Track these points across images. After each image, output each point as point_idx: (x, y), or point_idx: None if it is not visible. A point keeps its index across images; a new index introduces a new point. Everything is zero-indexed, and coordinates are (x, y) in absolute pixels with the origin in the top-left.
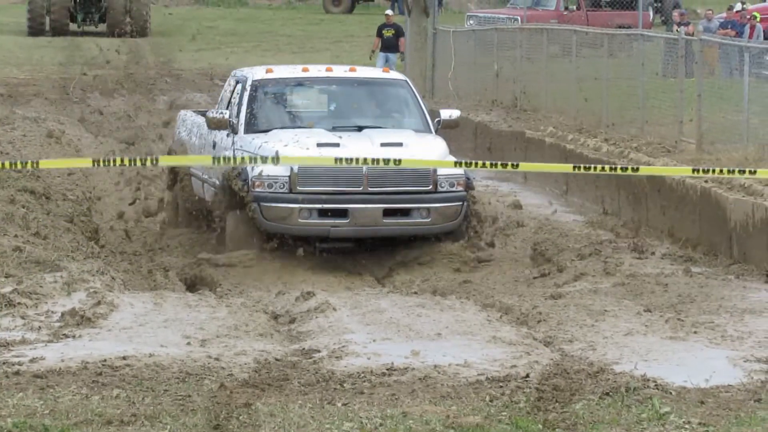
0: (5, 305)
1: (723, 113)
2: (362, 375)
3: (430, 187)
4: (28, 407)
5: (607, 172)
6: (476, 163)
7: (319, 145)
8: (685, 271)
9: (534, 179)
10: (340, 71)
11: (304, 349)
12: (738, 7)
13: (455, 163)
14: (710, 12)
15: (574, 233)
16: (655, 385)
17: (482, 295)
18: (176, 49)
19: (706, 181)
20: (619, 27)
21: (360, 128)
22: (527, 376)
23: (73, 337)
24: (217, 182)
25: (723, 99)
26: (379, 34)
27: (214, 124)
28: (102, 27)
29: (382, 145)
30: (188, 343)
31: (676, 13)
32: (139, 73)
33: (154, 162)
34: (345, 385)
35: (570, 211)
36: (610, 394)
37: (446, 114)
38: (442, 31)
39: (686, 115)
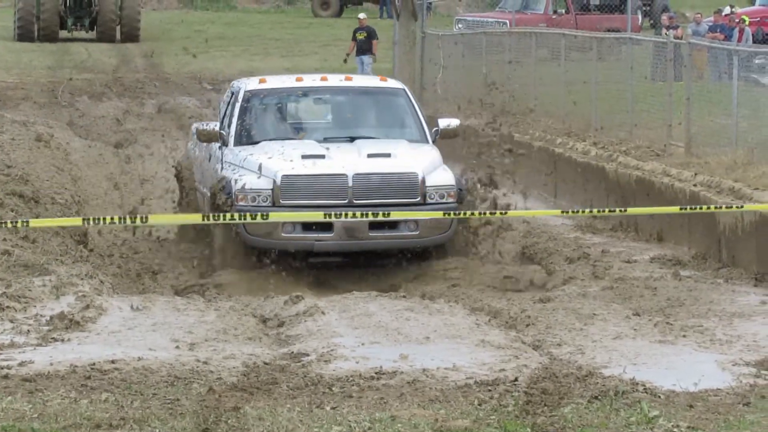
0: None
1: (712, 117)
2: (351, 379)
3: (419, 198)
4: (17, 411)
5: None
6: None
7: (304, 156)
8: (673, 274)
9: (522, 183)
10: (335, 80)
11: (292, 352)
12: (727, 10)
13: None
14: (699, 15)
15: (563, 237)
16: (644, 388)
17: (471, 299)
18: (170, 53)
19: (694, 185)
20: (608, 30)
21: (352, 139)
22: (516, 379)
23: (62, 340)
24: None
25: (712, 102)
26: (354, 37)
27: (204, 137)
28: (92, 33)
29: (369, 156)
30: (177, 347)
31: (665, 17)
32: (128, 76)
33: (144, 220)
34: (334, 388)
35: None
36: (599, 397)
37: (444, 123)
38: (431, 35)
39: (675, 119)
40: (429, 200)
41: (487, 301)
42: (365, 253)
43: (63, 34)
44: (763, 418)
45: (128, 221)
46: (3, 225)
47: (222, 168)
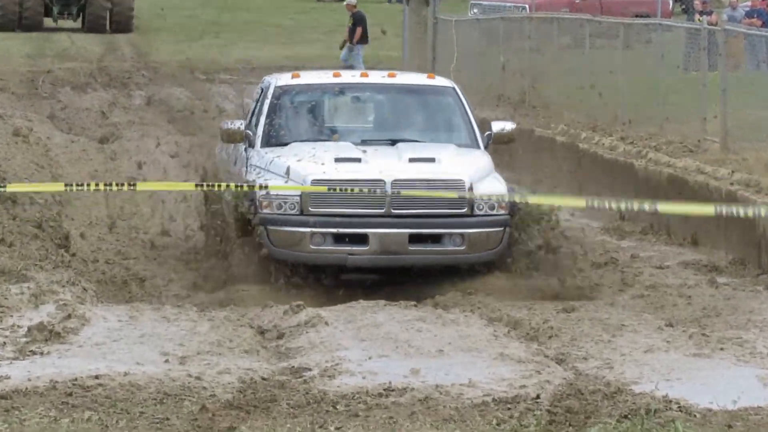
0: None
1: (750, 109)
2: (357, 396)
3: (465, 209)
4: None
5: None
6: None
7: (338, 160)
8: (710, 281)
9: (544, 180)
10: (376, 77)
11: (293, 367)
12: None
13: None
14: (735, 0)
15: (589, 240)
16: (678, 407)
17: (488, 308)
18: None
19: (731, 183)
20: (636, 16)
21: (394, 142)
22: (538, 397)
23: (41, 353)
24: (225, 203)
25: (750, 94)
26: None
27: (228, 137)
28: (79, 23)
29: (411, 161)
30: (166, 361)
31: (697, 1)
32: (114, 65)
33: (132, 186)
34: (338, 407)
35: (584, 216)
36: (629, 416)
37: (498, 127)
38: (444, 21)
39: (710, 112)
40: (477, 211)
41: (505, 311)
42: (404, 269)
43: (47, 23)
44: None
45: (114, 187)
46: None
47: (247, 172)
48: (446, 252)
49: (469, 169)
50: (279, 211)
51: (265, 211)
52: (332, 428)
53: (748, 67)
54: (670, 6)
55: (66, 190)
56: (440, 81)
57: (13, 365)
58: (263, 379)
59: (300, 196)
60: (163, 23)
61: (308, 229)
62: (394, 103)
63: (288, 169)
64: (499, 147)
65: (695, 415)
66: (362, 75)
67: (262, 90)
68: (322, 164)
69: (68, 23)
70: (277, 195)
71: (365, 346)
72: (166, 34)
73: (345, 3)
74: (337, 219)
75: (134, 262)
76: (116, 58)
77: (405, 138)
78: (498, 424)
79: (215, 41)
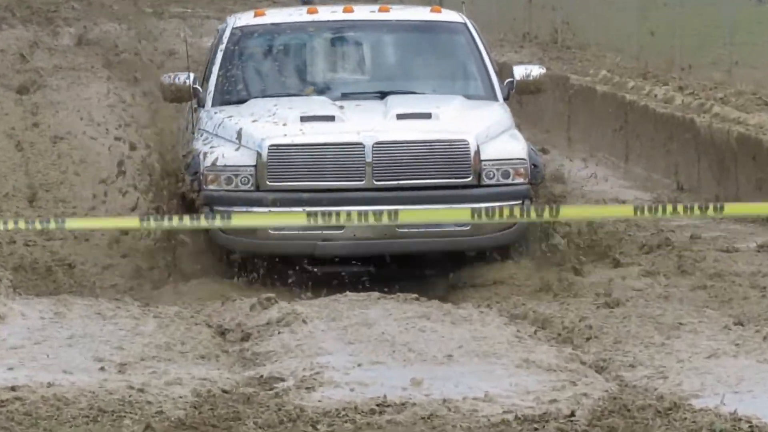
0: None
1: None
2: (343, 413)
3: (470, 178)
4: None
5: None
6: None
7: (304, 119)
8: None
9: (582, 142)
10: (365, 12)
11: (262, 376)
12: None
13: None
14: None
15: (638, 217)
16: (749, 426)
17: (509, 303)
18: None
19: None
20: None
21: (384, 95)
22: (572, 414)
23: None
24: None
25: None
26: None
27: (171, 94)
28: None
29: (399, 117)
30: (102, 368)
31: None
32: None
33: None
34: (319, 426)
35: (631, 186)
36: None
37: (521, 72)
38: None
39: None
40: (486, 180)
41: (531, 306)
42: (393, 257)
43: None
44: None
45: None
46: None
47: (194, 139)
48: (445, 234)
49: (476, 127)
50: (228, 187)
51: (210, 187)
52: None
53: None
54: None
55: None
56: (448, 15)
57: None
58: (224, 391)
59: (255, 167)
60: None
61: (266, 209)
62: (387, 45)
63: (240, 132)
64: (523, 98)
65: None
66: (345, 10)
67: (219, 32)
68: (284, 125)
69: None
70: (225, 166)
71: (353, 350)
72: None
73: None
74: (303, 195)
75: (61, 243)
76: None
77: (400, 89)
78: None
79: None
